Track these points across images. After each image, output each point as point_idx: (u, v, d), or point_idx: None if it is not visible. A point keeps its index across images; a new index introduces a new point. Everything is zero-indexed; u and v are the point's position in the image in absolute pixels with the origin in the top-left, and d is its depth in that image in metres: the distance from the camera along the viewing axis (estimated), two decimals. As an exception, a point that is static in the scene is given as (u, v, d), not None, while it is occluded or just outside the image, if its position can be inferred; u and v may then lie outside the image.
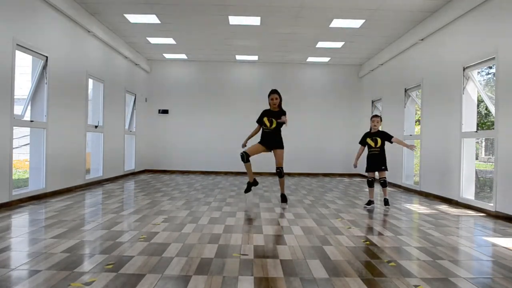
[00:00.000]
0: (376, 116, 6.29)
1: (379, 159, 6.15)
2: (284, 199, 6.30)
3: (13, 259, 3.23)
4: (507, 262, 3.33)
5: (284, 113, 6.25)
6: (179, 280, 2.76)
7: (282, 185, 6.37)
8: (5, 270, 2.88)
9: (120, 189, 7.96)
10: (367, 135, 6.26)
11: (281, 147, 6.32)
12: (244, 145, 6.48)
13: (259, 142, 6.34)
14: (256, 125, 6.46)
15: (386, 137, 6.17)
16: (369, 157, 6.25)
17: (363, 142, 6.30)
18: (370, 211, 5.85)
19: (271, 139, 6.27)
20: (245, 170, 6.60)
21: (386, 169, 6.17)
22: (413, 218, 5.47)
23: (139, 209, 5.58)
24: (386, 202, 6.12)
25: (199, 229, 4.39)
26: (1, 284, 2.62)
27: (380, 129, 6.26)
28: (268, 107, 6.37)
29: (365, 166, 6.30)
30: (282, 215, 5.35)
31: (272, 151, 6.33)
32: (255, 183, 6.50)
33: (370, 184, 6.25)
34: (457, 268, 3.14)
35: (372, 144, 6.18)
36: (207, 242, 3.82)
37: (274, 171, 12.67)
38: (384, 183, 6.16)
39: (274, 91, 6.31)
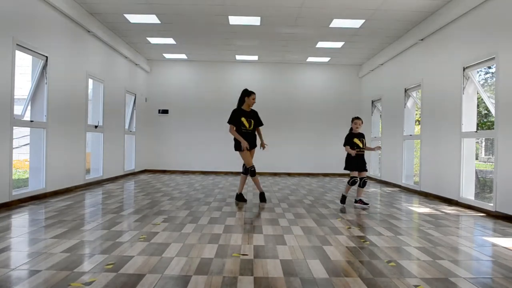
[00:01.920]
0: (358, 118, 6.37)
1: (363, 159, 6.32)
2: (262, 197, 6.50)
3: (13, 259, 3.23)
4: (507, 262, 3.33)
5: (256, 113, 6.50)
6: (179, 280, 2.76)
7: (257, 183, 6.47)
8: (5, 270, 2.88)
9: (120, 189, 7.96)
10: (353, 135, 6.30)
11: (255, 146, 6.52)
12: (246, 147, 6.31)
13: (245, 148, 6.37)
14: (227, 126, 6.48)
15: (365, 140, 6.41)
16: (355, 157, 6.26)
17: (350, 142, 6.27)
18: (371, 211, 5.85)
19: (252, 140, 6.40)
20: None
21: (367, 169, 6.37)
22: (413, 218, 5.47)
23: (139, 209, 5.58)
24: (363, 202, 6.21)
25: (199, 229, 4.39)
26: (1, 284, 2.62)
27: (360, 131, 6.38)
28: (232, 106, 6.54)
29: (349, 164, 6.30)
30: (282, 215, 5.35)
31: (250, 150, 6.45)
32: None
33: (354, 183, 6.28)
34: (457, 268, 3.14)
35: (360, 144, 6.26)
36: (207, 242, 3.82)
37: (275, 171, 12.63)
38: (365, 183, 6.25)
39: (254, 92, 6.44)
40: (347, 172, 6.37)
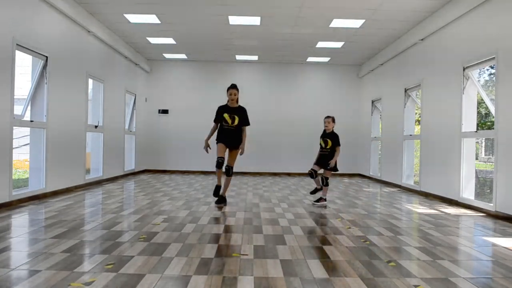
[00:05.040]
0: (327, 117, 6.42)
1: (327, 159, 6.28)
2: (223, 200, 6.09)
3: (13, 259, 3.23)
4: (507, 262, 3.33)
5: (244, 110, 6.08)
6: (179, 280, 2.76)
7: (227, 185, 6.13)
8: (5, 270, 2.88)
9: (120, 189, 7.95)
10: (321, 135, 6.44)
11: (239, 147, 6.07)
12: (207, 148, 6.07)
13: (219, 142, 6.01)
14: (212, 124, 6.15)
15: (334, 141, 6.27)
16: (318, 156, 6.44)
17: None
18: (370, 211, 5.86)
19: (233, 138, 6.01)
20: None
21: (332, 169, 6.25)
22: (413, 218, 5.47)
23: (139, 209, 5.58)
24: (319, 200, 6.30)
25: (199, 229, 4.39)
26: (1, 284, 2.62)
27: (334, 130, 6.35)
28: (223, 102, 6.21)
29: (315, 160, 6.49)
30: (282, 215, 5.35)
31: (231, 149, 6.07)
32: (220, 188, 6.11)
33: (311, 176, 6.37)
34: (457, 268, 3.14)
35: (323, 145, 6.36)
36: (207, 242, 3.82)
37: (275, 171, 12.60)
38: (323, 180, 6.30)
39: (234, 86, 6.05)
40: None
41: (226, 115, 5.99)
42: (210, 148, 6.12)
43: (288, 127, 12.53)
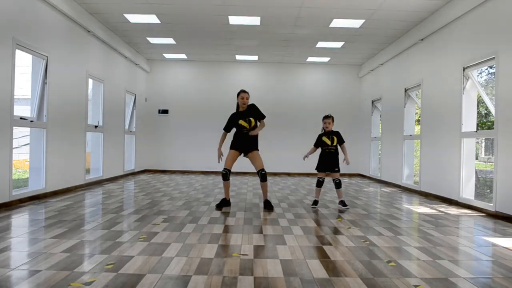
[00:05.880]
0: (327, 117, 6.19)
1: (334, 158, 6.05)
2: (269, 205, 5.90)
3: (13, 259, 3.23)
4: (507, 262, 3.33)
5: (254, 106, 5.95)
6: (179, 280, 2.76)
7: (265, 190, 5.98)
8: (5, 270, 2.88)
9: (120, 189, 7.95)
10: (322, 134, 6.19)
11: (257, 148, 5.96)
12: (220, 156, 6.00)
13: (232, 148, 5.94)
14: (222, 132, 6.07)
15: (340, 139, 6.12)
16: (323, 156, 6.11)
17: (318, 143, 6.19)
18: (370, 211, 5.85)
19: (248, 141, 5.89)
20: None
21: (339, 170, 6.09)
22: (413, 218, 5.47)
23: (139, 209, 5.58)
24: (344, 204, 6.06)
25: (199, 229, 4.39)
26: (1, 284, 2.62)
27: (333, 129, 6.18)
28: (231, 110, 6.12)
29: (318, 164, 6.14)
30: (282, 215, 5.35)
31: (247, 154, 5.94)
32: (229, 202, 6.03)
33: (320, 184, 6.11)
34: (457, 268, 3.14)
35: (329, 142, 6.07)
36: (207, 242, 3.82)
37: (275, 171, 12.62)
38: (338, 184, 6.06)
39: (244, 91, 5.96)
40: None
41: (242, 122, 5.88)
42: (223, 155, 6.05)
43: (288, 127, 12.53)
